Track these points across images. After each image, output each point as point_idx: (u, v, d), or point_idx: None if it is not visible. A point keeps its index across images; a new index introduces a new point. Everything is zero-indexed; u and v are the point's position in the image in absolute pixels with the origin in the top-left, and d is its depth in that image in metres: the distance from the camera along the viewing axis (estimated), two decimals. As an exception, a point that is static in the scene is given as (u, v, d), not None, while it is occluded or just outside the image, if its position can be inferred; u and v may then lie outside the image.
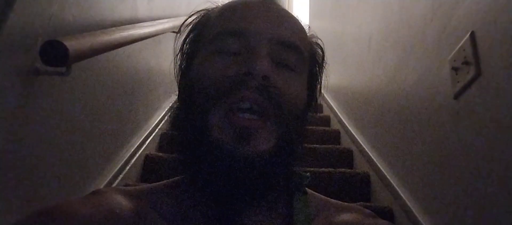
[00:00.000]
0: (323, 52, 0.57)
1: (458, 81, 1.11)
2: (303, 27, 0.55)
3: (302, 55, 0.50)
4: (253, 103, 0.43)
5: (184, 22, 0.56)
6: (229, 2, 0.54)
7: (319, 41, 0.57)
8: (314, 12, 4.33)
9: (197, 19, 0.55)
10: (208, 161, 0.43)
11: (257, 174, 0.42)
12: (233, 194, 0.43)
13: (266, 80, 0.44)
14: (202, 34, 0.52)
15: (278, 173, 0.45)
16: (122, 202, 0.46)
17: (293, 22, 0.52)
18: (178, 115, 0.50)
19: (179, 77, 0.54)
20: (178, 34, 0.57)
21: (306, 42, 0.53)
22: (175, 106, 0.52)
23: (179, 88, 0.54)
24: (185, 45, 0.55)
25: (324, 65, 0.57)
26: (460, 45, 1.12)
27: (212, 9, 0.55)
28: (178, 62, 0.55)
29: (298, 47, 0.50)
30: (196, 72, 0.48)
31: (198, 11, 0.56)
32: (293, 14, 0.54)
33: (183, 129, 0.47)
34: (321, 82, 0.58)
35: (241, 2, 0.52)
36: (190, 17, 0.56)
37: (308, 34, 0.56)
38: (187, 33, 0.55)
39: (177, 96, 0.54)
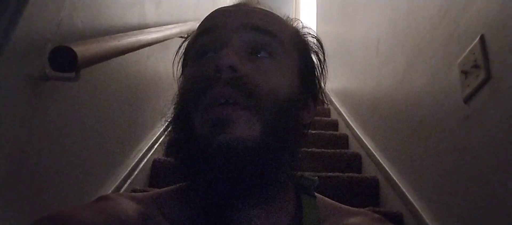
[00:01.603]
0: (320, 42, 0.57)
1: (467, 85, 1.10)
2: (281, 17, 0.55)
3: (277, 39, 0.49)
4: (227, 97, 0.43)
5: (178, 50, 0.58)
6: (211, 12, 0.55)
7: (310, 31, 0.57)
8: (321, 17, 4.33)
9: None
10: (195, 158, 0.43)
11: (244, 162, 0.42)
12: (224, 188, 0.43)
13: (233, 71, 0.44)
14: (188, 49, 0.54)
15: (270, 163, 0.44)
16: (129, 208, 0.46)
17: (266, 13, 0.52)
18: (171, 122, 0.51)
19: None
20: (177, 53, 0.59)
21: (285, 29, 0.53)
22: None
23: None
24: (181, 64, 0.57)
25: (323, 55, 0.56)
26: (469, 48, 1.11)
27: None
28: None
29: (270, 32, 0.49)
30: (182, 80, 0.51)
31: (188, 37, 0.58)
32: (270, 10, 0.54)
33: (174, 134, 0.48)
34: (322, 72, 0.57)
35: (217, 8, 0.54)
36: (184, 41, 0.58)
37: (296, 26, 0.56)
38: (181, 55, 0.57)
39: None
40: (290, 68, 0.50)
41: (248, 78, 0.44)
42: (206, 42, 0.49)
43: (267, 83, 0.45)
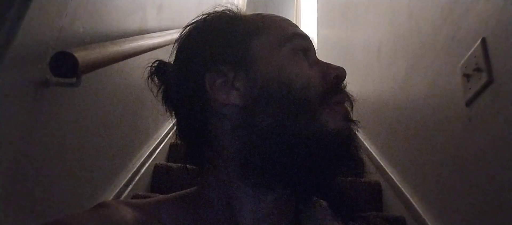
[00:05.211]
0: None
1: (469, 88, 1.10)
2: None
3: None
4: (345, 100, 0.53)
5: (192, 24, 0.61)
6: (266, 14, 0.57)
7: None
8: (322, 21, 4.33)
9: (223, 25, 0.56)
10: (326, 148, 0.48)
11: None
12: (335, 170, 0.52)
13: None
14: (256, 37, 0.52)
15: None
16: (128, 215, 0.46)
17: None
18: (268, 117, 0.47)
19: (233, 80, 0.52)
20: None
21: None
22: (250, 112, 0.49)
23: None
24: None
25: None
26: (471, 51, 1.10)
27: (240, 15, 0.57)
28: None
29: None
30: (292, 69, 0.50)
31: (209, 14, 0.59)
32: None
33: (282, 130, 0.46)
34: None
35: (287, 19, 0.57)
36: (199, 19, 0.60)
37: None
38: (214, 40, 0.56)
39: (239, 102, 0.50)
40: None
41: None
42: (308, 47, 0.54)
43: None
